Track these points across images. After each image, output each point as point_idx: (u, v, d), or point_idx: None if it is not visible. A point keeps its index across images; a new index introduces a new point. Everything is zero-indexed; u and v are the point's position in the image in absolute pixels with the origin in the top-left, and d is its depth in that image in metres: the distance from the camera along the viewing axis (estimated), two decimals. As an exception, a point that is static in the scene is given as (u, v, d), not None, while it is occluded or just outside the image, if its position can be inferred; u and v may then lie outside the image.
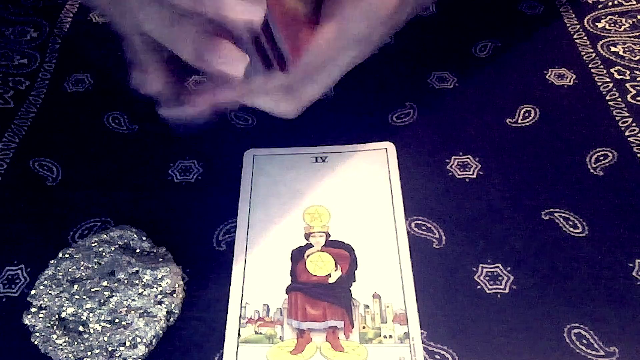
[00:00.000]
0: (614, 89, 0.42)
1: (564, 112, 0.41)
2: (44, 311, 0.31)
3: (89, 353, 0.29)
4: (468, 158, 0.39)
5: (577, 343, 0.30)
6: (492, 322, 0.31)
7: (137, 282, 0.31)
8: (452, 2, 0.50)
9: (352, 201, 0.36)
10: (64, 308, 0.31)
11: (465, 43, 0.46)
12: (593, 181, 0.37)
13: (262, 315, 0.32)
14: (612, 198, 0.36)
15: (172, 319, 0.31)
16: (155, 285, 0.31)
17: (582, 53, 0.45)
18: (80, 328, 0.30)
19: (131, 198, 0.38)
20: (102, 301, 0.31)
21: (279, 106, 0.32)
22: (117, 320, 0.30)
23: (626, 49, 0.45)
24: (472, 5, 0.49)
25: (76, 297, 0.31)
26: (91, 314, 0.30)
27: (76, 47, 0.48)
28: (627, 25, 0.47)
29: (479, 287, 0.32)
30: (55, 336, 0.30)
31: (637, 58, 0.44)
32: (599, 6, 0.49)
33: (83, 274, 0.32)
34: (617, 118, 0.40)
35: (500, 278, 0.33)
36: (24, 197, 0.38)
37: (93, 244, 0.33)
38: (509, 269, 0.33)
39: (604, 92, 0.42)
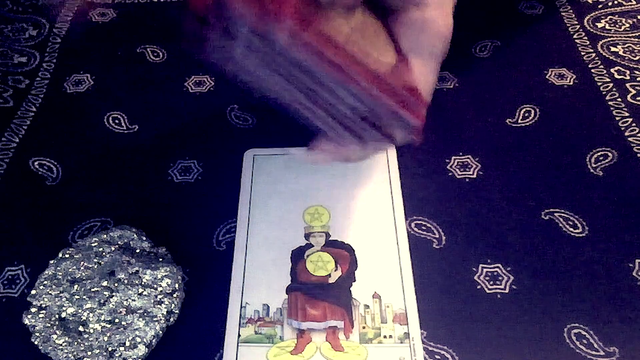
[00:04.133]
0: (614, 89, 0.42)
1: (564, 112, 0.41)
2: (44, 311, 0.31)
3: (89, 353, 0.29)
4: (468, 158, 0.39)
5: (577, 343, 0.30)
6: (492, 322, 0.31)
7: (137, 282, 0.31)
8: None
9: (352, 201, 0.36)
10: (64, 308, 0.31)
11: (465, 43, 0.46)
12: (593, 181, 0.37)
13: (262, 315, 0.32)
14: (612, 198, 0.36)
15: (172, 319, 0.31)
16: (155, 285, 0.31)
17: (582, 53, 0.45)
18: (80, 328, 0.30)
19: (131, 198, 0.37)
20: (102, 301, 0.31)
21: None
22: (117, 320, 0.30)
23: (626, 49, 0.45)
24: (472, 5, 0.49)
25: (76, 297, 0.31)
26: (91, 314, 0.30)
27: (76, 47, 0.48)
28: (627, 25, 0.47)
29: (479, 287, 0.32)
30: (55, 336, 0.30)
31: (637, 58, 0.44)
32: (599, 6, 0.49)
33: (83, 274, 0.32)
34: (617, 118, 0.40)
35: (500, 278, 0.33)
36: (24, 197, 0.38)
37: (93, 244, 0.33)
38: (509, 269, 0.33)
39: (604, 92, 0.42)
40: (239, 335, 0.31)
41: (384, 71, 0.30)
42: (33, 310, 0.31)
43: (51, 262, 0.33)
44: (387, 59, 0.31)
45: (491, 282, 0.33)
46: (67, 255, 0.33)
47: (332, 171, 0.38)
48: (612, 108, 0.41)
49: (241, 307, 0.32)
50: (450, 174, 0.38)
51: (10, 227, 0.36)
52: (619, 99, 0.42)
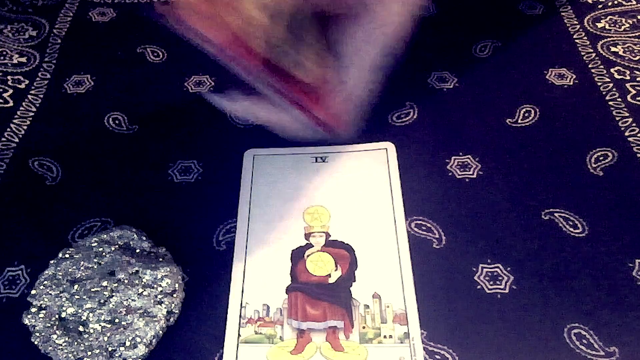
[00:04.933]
0: (614, 89, 0.42)
1: (564, 112, 0.41)
2: (44, 311, 0.31)
3: (89, 353, 0.29)
4: (468, 158, 0.39)
5: (577, 343, 0.30)
6: (492, 322, 0.31)
7: (137, 282, 0.31)
8: (452, 2, 0.50)
9: (352, 201, 0.36)
10: (64, 308, 0.31)
11: (465, 43, 0.46)
12: (593, 181, 0.37)
13: (262, 315, 0.32)
14: (612, 198, 0.36)
15: (172, 319, 0.31)
16: (155, 285, 0.31)
17: (582, 53, 0.45)
18: (80, 328, 0.30)
19: (131, 198, 0.37)
20: (102, 301, 0.31)
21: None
22: (117, 320, 0.30)
23: (626, 49, 0.45)
24: (472, 5, 0.49)
25: (76, 297, 0.31)
26: (91, 314, 0.30)
27: (76, 47, 0.48)
28: (627, 25, 0.47)
29: (479, 287, 0.32)
30: (55, 336, 0.30)
31: (637, 58, 0.44)
32: (599, 6, 0.49)
33: (83, 274, 0.32)
34: (617, 118, 0.40)
35: (500, 278, 0.33)
36: (24, 197, 0.38)
37: (93, 244, 0.33)
38: (509, 269, 0.33)
39: (604, 92, 0.42)
40: (239, 335, 0.31)
41: (315, 84, 0.32)
42: (33, 310, 0.31)
43: (51, 262, 0.33)
44: (323, 75, 0.33)
45: (491, 282, 0.33)
46: (67, 255, 0.33)
47: (332, 171, 0.38)
48: (612, 108, 0.41)
49: (241, 307, 0.32)
50: (450, 174, 0.38)
51: (10, 227, 0.36)
52: (619, 99, 0.42)
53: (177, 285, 0.32)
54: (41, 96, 0.44)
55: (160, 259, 0.33)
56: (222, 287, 0.33)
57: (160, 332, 0.30)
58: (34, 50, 0.48)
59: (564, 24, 0.48)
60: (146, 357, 0.30)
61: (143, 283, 0.31)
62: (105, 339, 0.30)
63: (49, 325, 0.30)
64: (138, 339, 0.30)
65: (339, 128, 0.37)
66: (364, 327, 0.31)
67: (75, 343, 0.29)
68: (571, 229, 0.35)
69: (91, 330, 0.30)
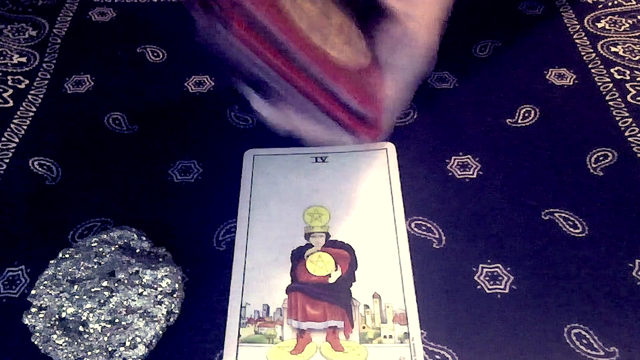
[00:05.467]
0: (614, 89, 0.42)
1: (564, 112, 0.41)
2: (44, 311, 0.31)
3: (89, 353, 0.29)
4: (468, 158, 0.39)
5: (577, 343, 0.30)
6: (492, 322, 0.31)
7: (137, 282, 0.31)
8: (452, 2, 0.50)
9: (352, 201, 0.36)
10: (64, 308, 0.31)
11: (465, 43, 0.46)
12: (593, 181, 0.37)
13: (262, 315, 0.32)
14: (612, 198, 0.36)
15: (172, 319, 0.31)
16: (155, 285, 0.31)
17: (582, 53, 0.45)
18: (80, 328, 0.30)
19: (131, 198, 0.37)
20: (102, 301, 0.31)
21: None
22: (117, 321, 0.30)
23: (626, 49, 0.45)
24: (472, 5, 0.49)
25: (76, 297, 0.31)
26: (91, 314, 0.30)
27: (76, 47, 0.48)
28: (627, 25, 0.47)
29: (479, 287, 0.32)
30: (55, 336, 0.30)
31: (637, 58, 0.44)
32: (599, 6, 0.49)
33: (83, 274, 0.32)
34: (617, 118, 0.40)
35: (500, 278, 0.33)
36: (24, 197, 0.38)
37: (93, 244, 0.33)
38: (509, 269, 0.33)
39: (604, 92, 0.42)
40: (239, 335, 0.31)
41: (352, 67, 0.30)
42: (33, 310, 0.31)
43: (51, 262, 0.33)
44: (360, 59, 0.31)
45: (491, 282, 0.33)
46: (67, 255, 0.33)
47: (332, 171, 0.38)
48: (612, 108, 0.41)
49: (241, 307, 0.32)
50: (450, 174, 0.38)
51: (10, 227, 0.36)
52: (619, 99, 0.42)
53: (177, 285, 0.32)
54: (41, 96, 0.44)
55: (160, 259, 0.33)
56: (222, 287, 0.33)
57: (160, 332, 0.30)
58: (34, 50, 0.48)
59: (564, 24, 0.48)
60: (146, 357, 0.30)
61: (143, 283, 0.31)
62: (105, 339, 0.30)
63: (49, 325, 0.30)
64: (138, 339, 0.30)
65: (373, 136, 0.37)
66: (364, 327, 0.31)
67: (75, 343, 0.29)
68: (571, 229, 0.35)
69: (91, 330, 0.30)
